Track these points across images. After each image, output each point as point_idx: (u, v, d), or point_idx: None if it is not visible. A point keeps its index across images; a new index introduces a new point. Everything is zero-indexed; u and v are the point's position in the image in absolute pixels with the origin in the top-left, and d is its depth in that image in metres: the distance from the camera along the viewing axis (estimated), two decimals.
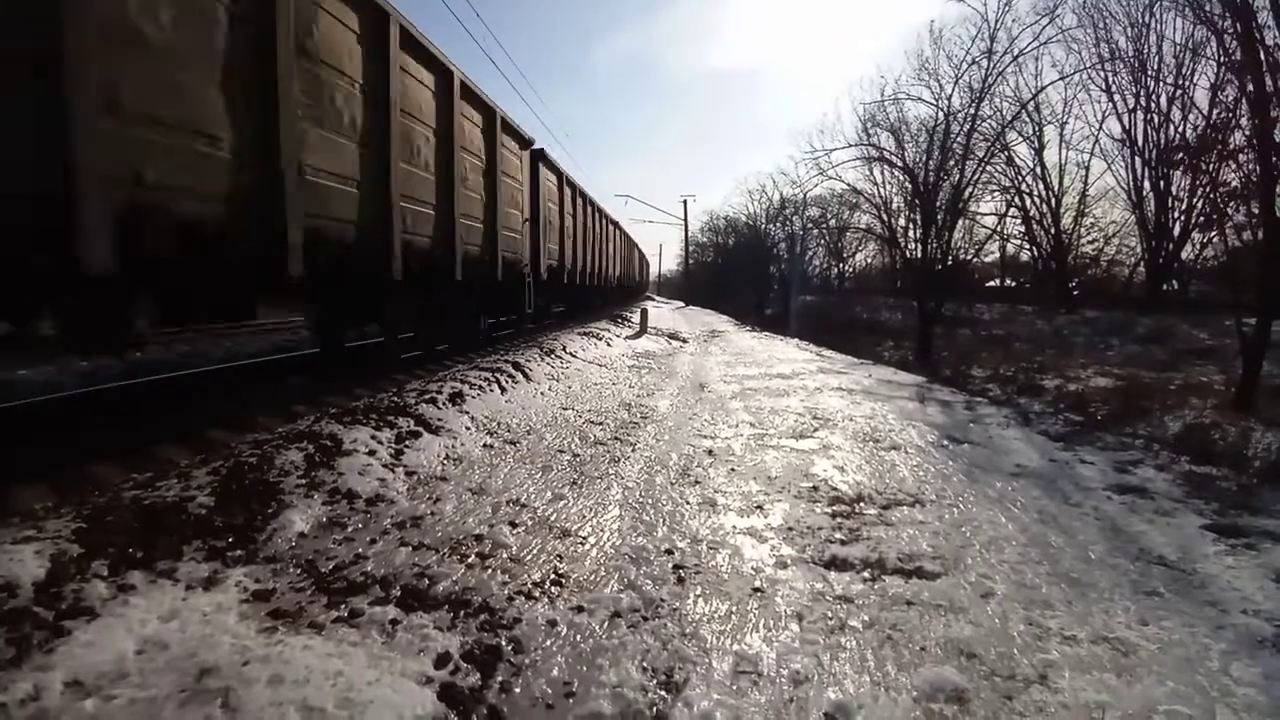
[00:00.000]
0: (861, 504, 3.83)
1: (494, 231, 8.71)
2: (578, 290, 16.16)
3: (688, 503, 3.79)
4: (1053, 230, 26.19)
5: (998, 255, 32.60)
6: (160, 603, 2.26)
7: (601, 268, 19.72)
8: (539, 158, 11.28)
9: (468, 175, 7.66)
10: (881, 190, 28.32)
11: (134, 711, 1.75)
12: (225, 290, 4.13)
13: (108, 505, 2.85)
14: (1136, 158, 24.14)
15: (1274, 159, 7.30)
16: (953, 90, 14.28)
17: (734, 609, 2.58)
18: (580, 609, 2.53)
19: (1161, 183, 23.35)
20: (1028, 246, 28.29)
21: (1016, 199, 24.55)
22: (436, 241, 6.89)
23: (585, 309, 18.86)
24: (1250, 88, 8.02)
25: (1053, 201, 26.21)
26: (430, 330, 7.99)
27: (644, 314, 17.58)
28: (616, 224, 24.18)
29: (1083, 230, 27.16)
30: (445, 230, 7.06)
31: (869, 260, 46.52)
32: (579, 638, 2.34)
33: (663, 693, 2.04)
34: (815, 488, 4.10)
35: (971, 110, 13.72)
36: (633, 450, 4.90)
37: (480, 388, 5.93)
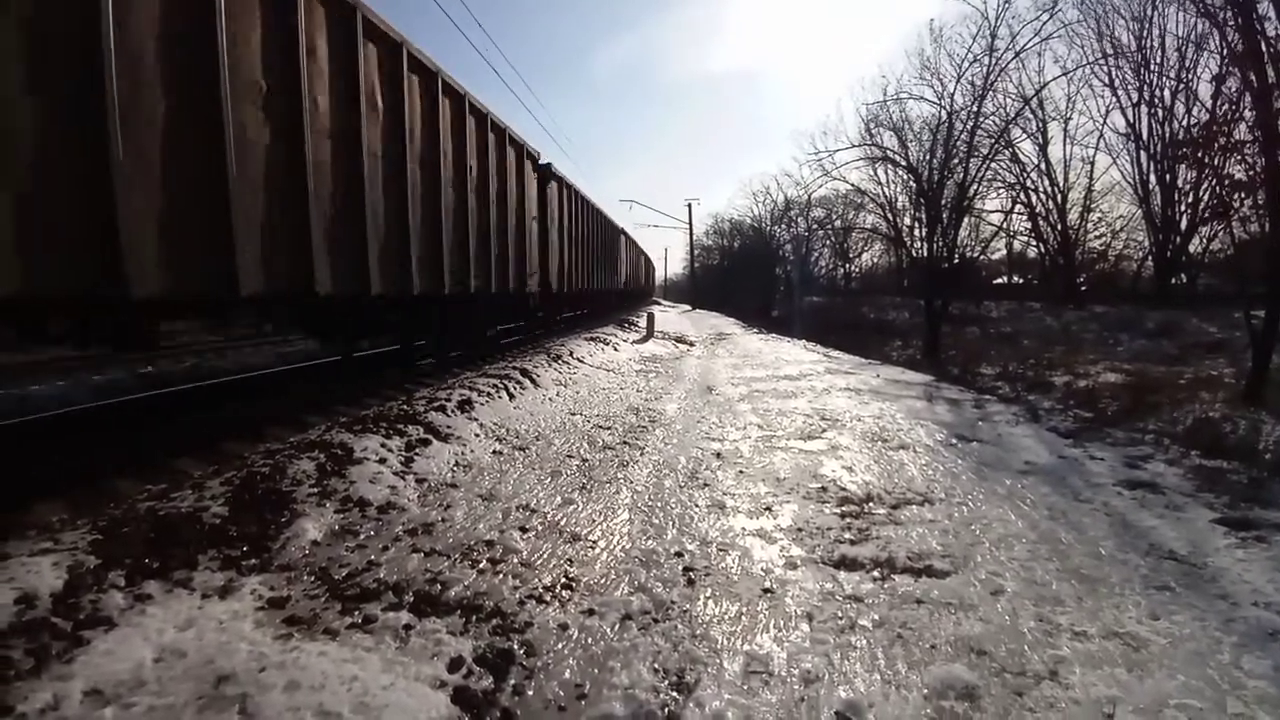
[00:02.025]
0: (870, 504, 3.84)
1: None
2: (582, 297, 16.28)
3: (697, 505, 3.80)
4: (1059, 226, 26.13)
5: (1004, 252, 32.54)
6: (177, 611, 2.29)
7: (606, 274, 19.70)
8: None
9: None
10: (886, 190, 28.16)
11: (153, 719, 1.77)
12: None
13: (123, 517, 2.88)
14: (1141, 151, 24.06)
15: (1279, 150, 7.27)
16: (955, 88, 14.21)
17: (744, 610, 2.59)
18: (591, 612, 2.55)
19: (1167, 176, 23.25)
20: (1034, 243, 28.23)
21: (1022, 195, 24.53)
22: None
23: (592, 315, 18.93)
24: (1253, 79, 7.99)
25: (1058, 197, 26.16)
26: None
27: (650, 318, 17.62)
28: (622, 230, 24.22)
29: (1089, 225, 27.09)
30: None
31: (875, 260, 46.47)
32: (590, 640, 2.35)
33: (674, 694, 2.05)
34: (824, 488, 4.11)
35: (974, 108, 13.68)
36: (641, 454, 4.92)
37: (489, 394, 5.95)
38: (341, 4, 4.98)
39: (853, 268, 47.34)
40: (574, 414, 6.31)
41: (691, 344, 15.47)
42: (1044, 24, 13.45)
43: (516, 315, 10.67)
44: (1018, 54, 13.69)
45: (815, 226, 38.17)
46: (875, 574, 2.91)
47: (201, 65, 3.71)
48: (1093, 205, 26.84)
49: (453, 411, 5.21)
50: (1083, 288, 25.44)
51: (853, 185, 21.33)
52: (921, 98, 22.12)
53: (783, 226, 40.06)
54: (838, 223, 36.58)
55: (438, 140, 6.63)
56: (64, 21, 2.97)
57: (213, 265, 3.85)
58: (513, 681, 2.11)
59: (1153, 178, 23.93)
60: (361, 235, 5.32)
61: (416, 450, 4.32)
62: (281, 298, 4.55)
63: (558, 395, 6.99)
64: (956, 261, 15.50)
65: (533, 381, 7.05)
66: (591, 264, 16.58)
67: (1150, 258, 25.31)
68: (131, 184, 3.27)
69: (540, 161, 11.01)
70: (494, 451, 4.78)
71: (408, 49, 5.86)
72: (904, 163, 17.08)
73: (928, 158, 15.13)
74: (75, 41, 3.01)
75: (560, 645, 2.32)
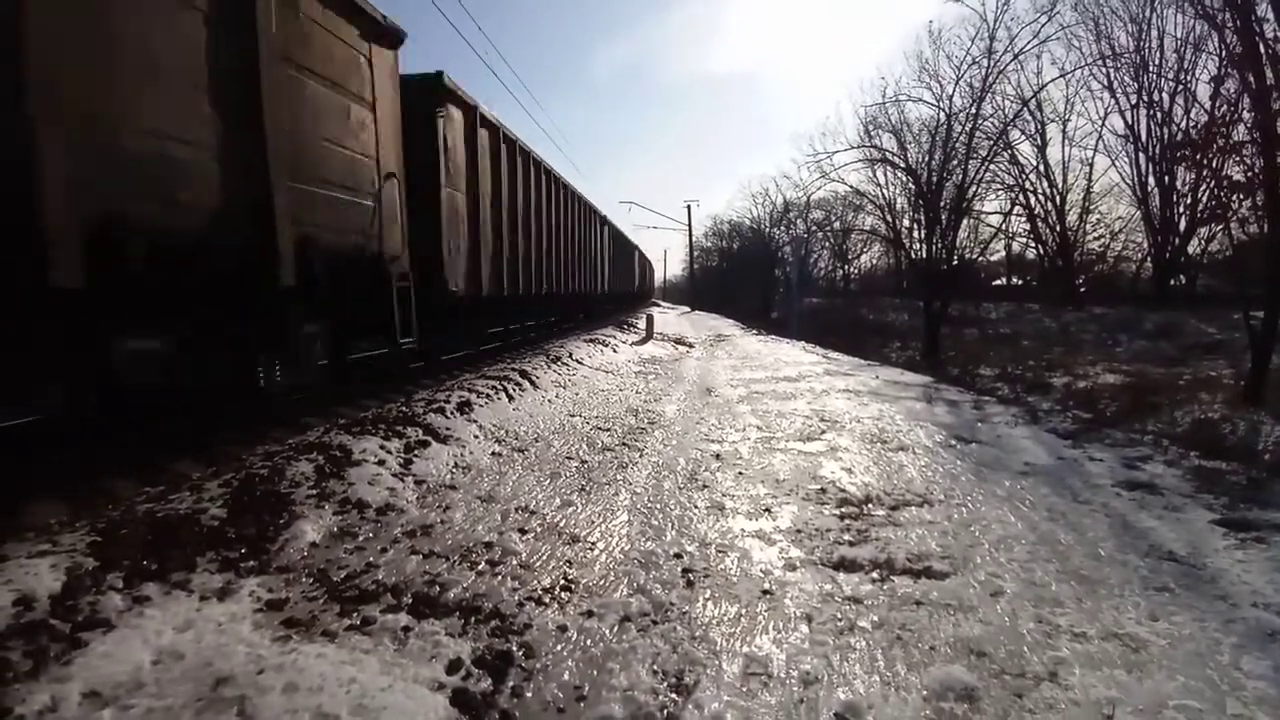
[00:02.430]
0: (870, 505, 3.83)
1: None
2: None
3: (696, 507, 3.80)
4: (1058, 227, 26.12)
5: (1003, 254, 32.53)
6: (175, 613, 2.29)
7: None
8: (432, 86, 7.07)
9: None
10: (885, 191, 28.22)
11: None
12: None
13: (122, 518, 2.88)
14: (1140, 153, 24.05)
15: (1277, 152, 7.27)
16: (954, 90, 14.22)
17: (743, 611, 2.59)
18: (590, 614, 2.54)
19: (1166, 178, 23.25)
20: (1033, 244, 28.22)
21: (1021, 197, 24.48)
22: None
23: (591, 317, 18.56)
24: (1251, 81, 7.99)
25: (1057, 199, 26.15)
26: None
27: (649, 320, 17.63)
28: (632, 242, 22.60)
29: (1088, 227, 27.08)
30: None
31: (874, 261, 46.46)
32: (589, 642, 2.35)
33: (673, 695, 2.05)
34: (823, 490, 4.11)
35: (973, 110, 13.68)
36: (640, 455, 4.91)
37: (488, 396, 5.95)
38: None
39: (852, 269, 47.39)
40: (573, 415, 6.30)
41: (690, 345, 15.48)
42: (1042, 26, 13.48)
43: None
44: (1016, 56, 13.70)
45: (814, 228, 38.21)
46: (874, 575, 2.90)
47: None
48: (1091, 207, 26.87)
49: (452, 413, 5.20)
50: (1082, 289, 25.44)
51: (852, 187, 21.34)
52: (920, 100, 22.00)
53: (782, 228, 40.08)
54: (837, 224, 36.70)
55: None
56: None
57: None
58: (511, 683, 2.10)
59: (1151, 179, 23.95)
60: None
61: (415, 452, 4.32)
62: None
63: (557, 397, 6.99)
64: (955, 263, 15.50)
65: (532, 383, 7.05)
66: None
67: (1149, 259, 25.33)
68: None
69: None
70: (493, 453, 4.78)
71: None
72: (903, 164, 17.10)
73: (926, 159, 15.14)
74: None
75: (559, 647, 2.32)
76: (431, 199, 7.00)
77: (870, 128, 18.97)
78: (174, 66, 3.51)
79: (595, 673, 2.16)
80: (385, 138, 5.73)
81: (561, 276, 13.61)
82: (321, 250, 4.76)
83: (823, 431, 5.75)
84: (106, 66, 3.13)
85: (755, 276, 40.53)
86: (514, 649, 2.28)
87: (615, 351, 11.93)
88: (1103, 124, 25.47)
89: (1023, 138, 22.92)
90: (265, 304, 4.32)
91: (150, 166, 3.39)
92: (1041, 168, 25.91)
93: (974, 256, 21.75)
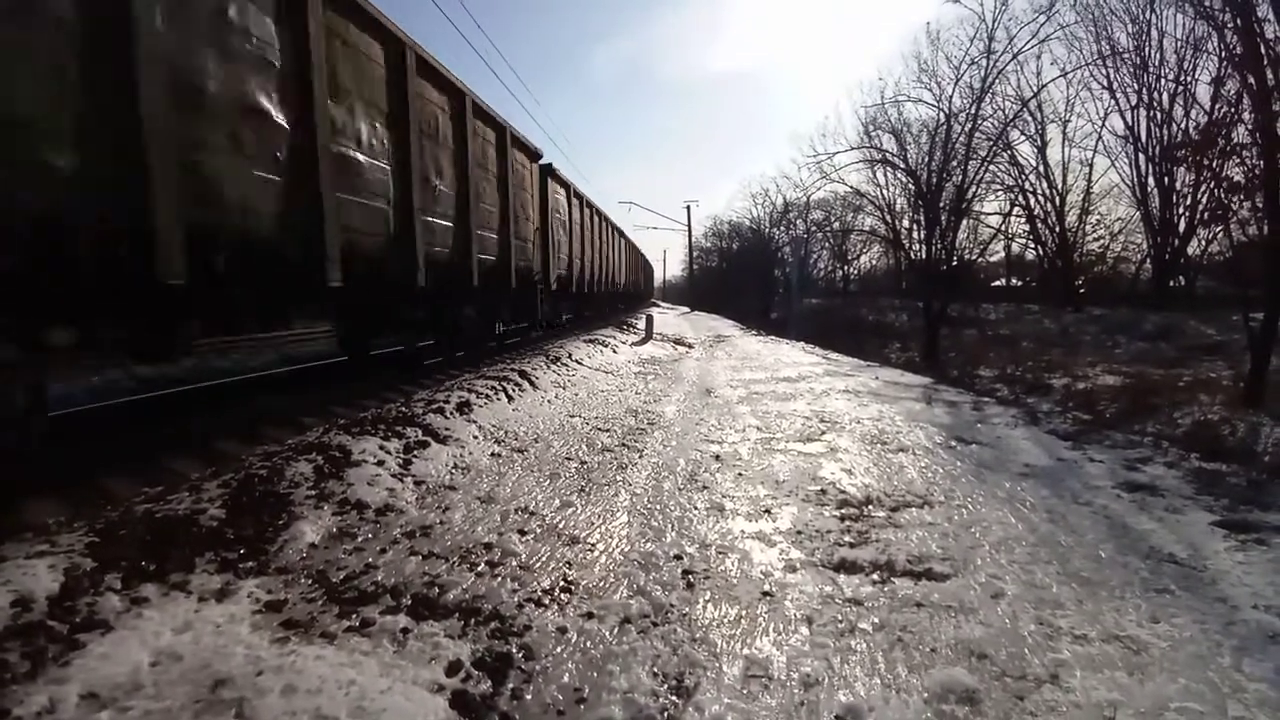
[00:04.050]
0: (870, 506, 3.83)
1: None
2: (586, 298, 16.76)
3: (696, 508, 3.79)
4: (1057, 228, 26.12)
5: (1003, 254, 32.55)
6: (174, 615, 2.28)
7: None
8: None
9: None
10: (885, 192, 28.26)
11: None
12: None
13: (120, 519, 2.87)
14: (1140, 154, 24.06)
15: (1277, 153, 7.27)
16: (953, 91, 14.26)
17: (744, 613, 2.58)
18: (590, 615, 2.54)
19: (1166, 178, 23.26)
20: (1033, 245, 28.22)
21: (1020, 198, 24.51)
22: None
23: (592, 316, 19.26)
24: (1252, 82, 8.00)
25: (1057, 200, 26.16)
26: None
27: (649, 320, 17.61)
28: (621, 232, 24.48)
29: (1088, 227, 27.07)
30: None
31: (874, 262, 46.51)
32: (589, 644, 2.34)
33: (674, 698, 2.04)
34: (823, 491, 4.10)
35: (972, 110, 13.71)
36: (640, 456, 4.91)
37: (487, 396, 5.95)
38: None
39: (851, 270, 47.44)
40: (573, 416, 6.30)
41: (690, 346, 15.47)
42: (1041, 26, 13.52)
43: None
44: (1015, 56, 13.76)
45: (814, 228, 38.21)
46: (875, 577, 2.90)
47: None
48: (1091, 207, 26.87)
49: (451, 413, 5.20)
50: (1081, 290, 25.43)
51: (851, 187, 21.41)
52: (920, 100, 22.08)
53: (781, 229, 40.09)
54: (836, 225, 36.67)
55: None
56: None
57: None
58: (511, 685, 2.10)
59: (1151, 180, 23.94)
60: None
61: (415, 452, 4.31)
62: None
63: (556, 397, 6.98)
64: (955, 264, 15.52)
65: (531, 383, 7.04)
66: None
67: (1149, 260, 25.34)
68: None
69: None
70: (492, 454, 4.77)
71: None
72: (902, 165, 17.15)
73: (926, 160, 15.18)
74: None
75: (559, 649, 2.31)
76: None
77: (870, 128, 19.04)
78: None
79: (595, 675, 2.16)
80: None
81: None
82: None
83: (822, 432, 5.74)
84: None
85: (755, 277, 40.54)
86: (514, 651, 2.28)
87: (615, 352, 11.92)
88: (1102, 124, 25.52)
89: (1022, 138, 22.99)
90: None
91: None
92: (1041, 168, 25.96)
93: (973, 257, 21.75)
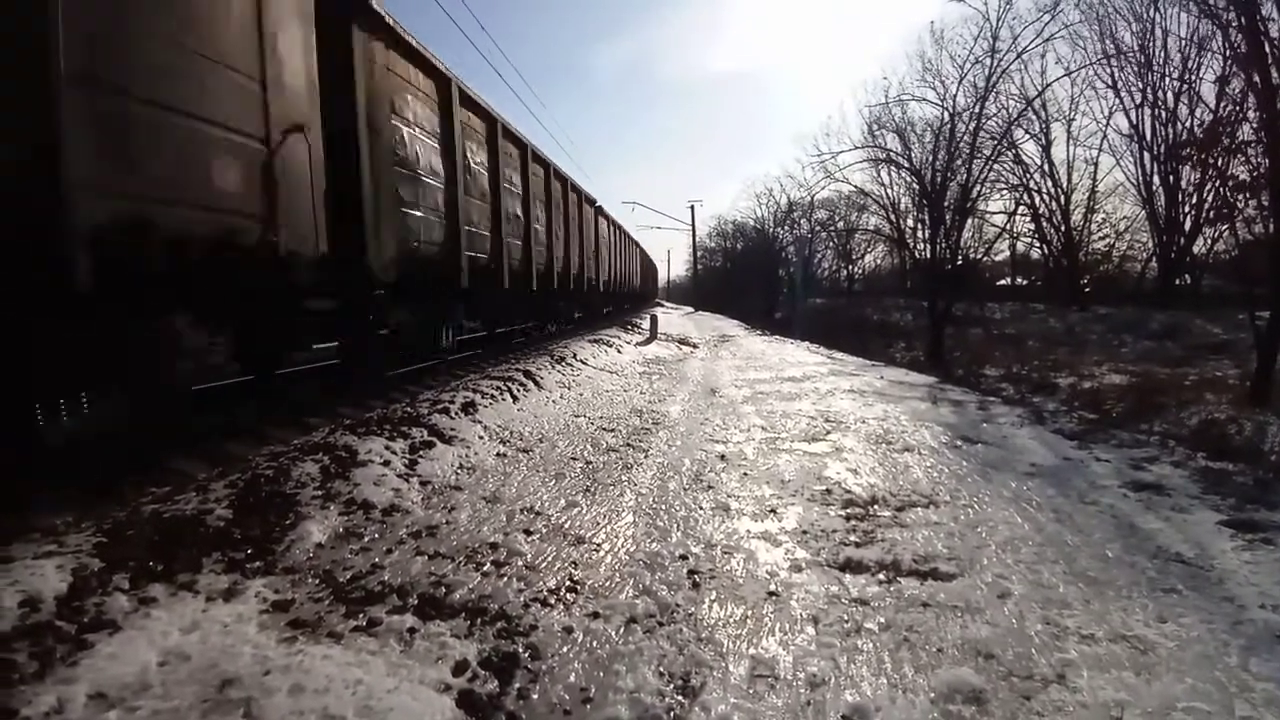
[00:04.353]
0: (875, 506, 3.82)
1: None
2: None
3: (701, 508, 3.79)
4: (1063, 227, 26.07)
5: (1008, 254, 32.45)
6: (181, 614, 2.29)
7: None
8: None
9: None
10: (889, 191, 28.27)
11: None
12: None
13: (128, 519, 2.89)
14: (1145, 153, 24.02)
15: None
16: (957, 90, 14.25)
17: (749, 613, 2.58)
18: (596, 615, 2.54)
19: (1171, 177, 23.19)
20: (1038, 244, 28.15)
21: (1025, 197, 24.44)
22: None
23: (597, 316, 20.30)
24: (1256, 80, 7.97)
25: (1062, 198, 26.09)
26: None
27: (654, 320, 17.62)
28: (630, 237, 26.81)
29: (1093, 226, 27.04)
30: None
31: (878, 262, 46.45)
32: (595, 644, 2.35)
33: (680, 697, 2.04)
34: (829, 490, 4.10)
35: (977, 109, 13.70)
36: (645, 456, 4.91)
37: (492, 396, 5.95)
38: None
39: (856, 269, 47.37)
40: (577, 416, 6.30)
41: (695, 346, 15.47)
42: (1045, 25, 13.51)
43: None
44: (1019, 55, 13.76)
45: (818, 228, 38.19)
46: (881, 577, 2.89)
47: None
48: (1096, 206, 26.82)
49: (456, 414, 5.21)
50: (1086, 289, 25.36)
51: (856, 187, 21.46)
52: (924, 99, 22.12)
53: (786, 228, 40.09)
54: (841, 224, 36.65)
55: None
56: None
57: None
58: (518, 685, 2.10)
59: (1156, 179, 23.91)
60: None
61: (420, 452, 4.32)
62: None
63: (561, 397, 6.99)
64: (960, 263, 15.49)
65: (536, 384, 7.04)
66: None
67: (1154, 259, 25.27)
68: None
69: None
70: (498, 454, 4.78)
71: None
72: (907, 164, 17.18)
73: (930, 159, 15.23)
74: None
75: (565, 648, 2.31)
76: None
77: (874, 127, 19.09)
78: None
79: (601, 674, 2.16)
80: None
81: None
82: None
83: (828, 432, 5.74)
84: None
85: (759, 277, 40.54)
86: (520, 651, 2.28)
87: (619, 352, 11.93)
88: (1107, 123, 25.45)
89: (1027, 137, 22.92)
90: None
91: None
92: (1046, 167, 25.90)
93: (978, 256, 21.69)
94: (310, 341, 5.90)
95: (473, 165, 8.17)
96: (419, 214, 6.61)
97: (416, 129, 6.63)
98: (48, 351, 3.18)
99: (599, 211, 17.78)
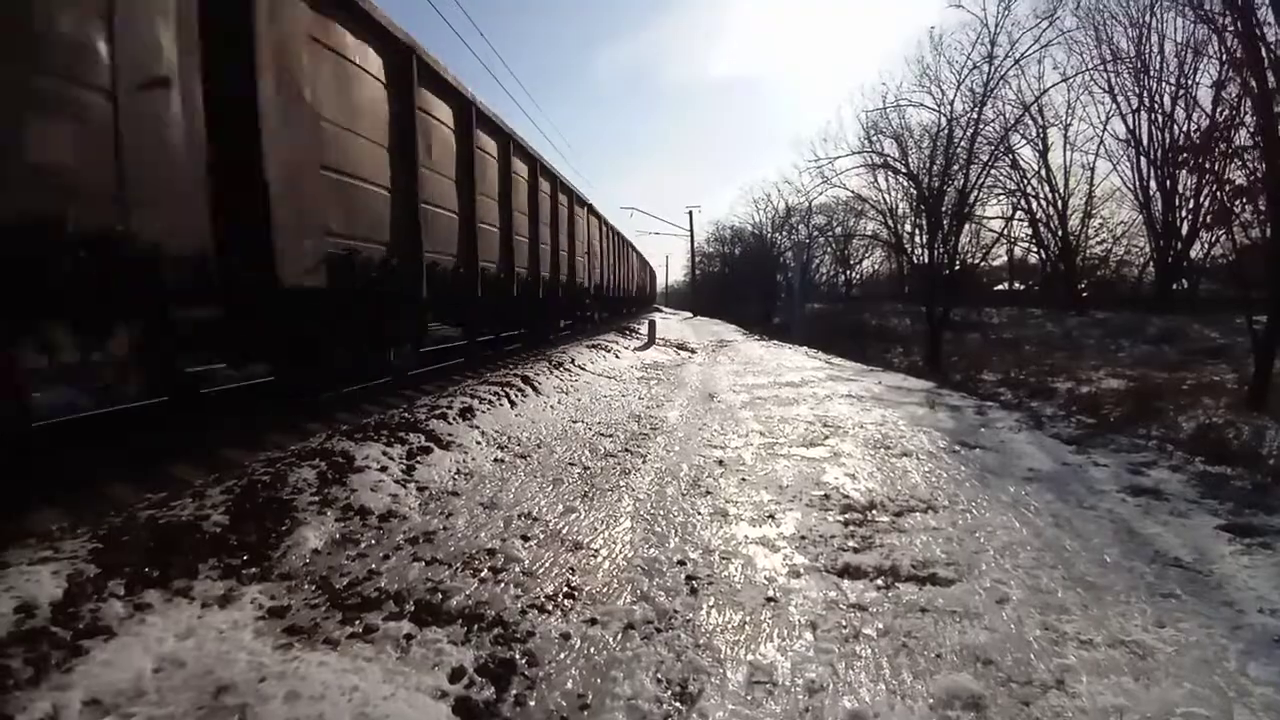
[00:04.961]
0: (874, 511, 3.82)
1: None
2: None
3: (699, 513, 3.79)
4: (1060, 232, 26.18)
5: (1005, 259, 32.51)
6: (177, 621, 2.27)
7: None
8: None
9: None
10: (887, 196, 28.33)
11: None
12: None
13: (123, 525, 2.87)
14: (1142, 157, 24.16)
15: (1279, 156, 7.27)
16: (955, 95, 14.28)
17: (748, 619, 2.58)
18: (593, 621, 2.53)
19: (1168, 182, 23.32)
20: (1035, 249, 28.27)
21: (1022, 202, 24.57)
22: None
23: (614, 314, 22.33)
24: (1253, 85, 8.00)
25: (1059, 203, 26.22)
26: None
27: (652, 325, 17.59)
28: (628, 242, 27.00)
29: (1090, 231, 27.14)
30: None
31: (876, 267, 46.51)
32: (593, 650, 2.34)
33: (677, 704, 2.03)
34: (827, 496, 4.10)
35: (974, 114, 13.73)
36: (643, 462, 4.90)
37: (490, 402, 5.95)
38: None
39: (854, 274, 47.42)
40: (575, 421, 6.30)
41: (693, 351, 15.47)
42: (1043, 31, 13.56)
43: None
44: (1017, 61, 13.81)
45: (816, 233, 38.24)
46: (879, 582, 2.89)
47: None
48: (1093, 211, 26.94)
49: (454, 419, 5.20)
50: (1084, 294, 25.43)
51: (853, 192, 21.47)
52: (921, 105, 22.33)
53: (784, 234, 40.15)
54: (839, 229, 36.70)
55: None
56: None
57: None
58: (514, 692, 2.09)
59: (1153, 183, 24.03)
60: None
61: (418, 458, 4.31)
62: None
63: (559, 403, 6.98)
64: (957, 268, 15.51)
65: (534, 389, 7.04)
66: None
67: (1151, 263, 25.34)
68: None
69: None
70: (495, 459, 4.77)
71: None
72: (904, 169, 17.21)
73: (928, 164, 15.22)
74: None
75: (562, 655, 2.30)
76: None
77: (872, 133, 19.15)
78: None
79: (599, 681, 2.15)
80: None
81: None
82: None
83: (826, 437, 5.73)
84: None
85: (757, 282, 40.61)
86: (517, 657, 2.27)
87: (617, 357, 11.92)
88: (1104, 128, 25.61)
89: (1024, 142, 23.08)
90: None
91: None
92: (1043, 172, 26.05)
93: (976, 261, 21.73)
94: (185, 364, 4.64)
95: (437, 155, 6.73)
96: (358, 204, 5.22)
97: (352, 104, 5.12)
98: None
99: (591, 212, 17.65)
